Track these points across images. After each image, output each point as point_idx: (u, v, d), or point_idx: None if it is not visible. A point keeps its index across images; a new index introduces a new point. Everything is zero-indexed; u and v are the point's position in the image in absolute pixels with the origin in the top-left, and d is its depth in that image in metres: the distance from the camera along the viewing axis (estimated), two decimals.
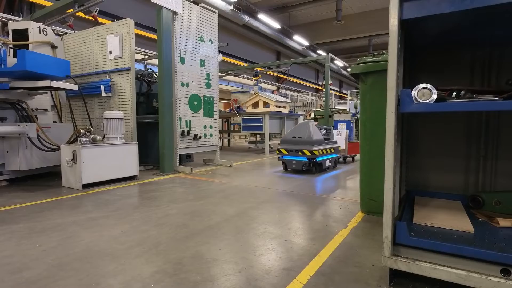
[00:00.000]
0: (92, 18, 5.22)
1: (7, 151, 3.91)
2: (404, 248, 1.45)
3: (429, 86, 1.34)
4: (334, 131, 6.01)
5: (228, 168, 5.50)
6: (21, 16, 8.28)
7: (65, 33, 5.95)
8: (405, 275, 1.52)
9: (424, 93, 1.35)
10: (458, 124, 2.12)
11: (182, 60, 4.99)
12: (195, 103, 5.30)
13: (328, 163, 5.01)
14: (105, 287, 1.51)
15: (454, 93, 1.44)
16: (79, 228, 2.35)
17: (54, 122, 4.94)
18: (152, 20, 6.31)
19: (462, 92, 1.42)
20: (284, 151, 4.90)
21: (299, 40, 18.00)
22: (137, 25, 10.46)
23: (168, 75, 4.75)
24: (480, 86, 2.04)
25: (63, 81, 4.02)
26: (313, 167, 4.77)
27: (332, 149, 5.08)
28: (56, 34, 5.43)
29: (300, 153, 4.66)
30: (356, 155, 6.62)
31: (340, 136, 6.11)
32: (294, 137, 4.83)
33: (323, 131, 5.30)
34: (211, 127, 5.69)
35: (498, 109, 1.26)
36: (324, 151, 4.77)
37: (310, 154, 4.55)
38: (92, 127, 4.16)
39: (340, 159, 6.15)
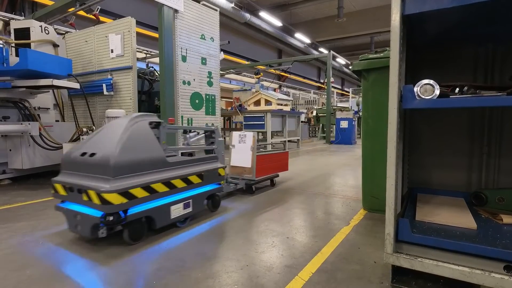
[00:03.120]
0: (93, 17, 5.23)
1: (10, 150, 3.93)
2: (406, 245, 1.44)
3: (431, 82, 1.33)
4: (235, 135, 3.46)
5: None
6: (23, 15, 8.31)
7: (67, 32, 5.95)
8: (408, 272, 1.51)
9: (427, 89, 1.34)
10: (460, 120, 2.11)
11: (184, 58, 4.98)
12: (197, 101, 5.30)
13: (180, 213, 2.27)
14: None
15: (457, 89, 1.42)
16: None
17: (57, 121, 4.95)
18: (154, 18, 6.30)
19: (465, 88, 1.41)
20: (61, 190, 2.06)
21: (301, 38, 17.95)
22: (139, 23, 10.45)
23: (170, 74, 4.75)
24: (483, 82, 2.03)
25: (65, 80, 4.02)
26: (124, 230, 1.96)
27: (196, 177, 2.44)
28: (58, 33, 5.44)
29: (85, 196, 1.90)
30: (277, 176, 3.81)
31: (245, 145, 3.36)
32: (84, 154, 2.02)
33: (191, 135, 2.85)
34: (213, 125, 5.69)
35: (501, 105, 1.25)
36: (157, 187, 2.08)
37: (99, 203, 1.82)
38: (94, 125, 4.17)
39: (241, 187, 3.30)
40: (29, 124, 3.80)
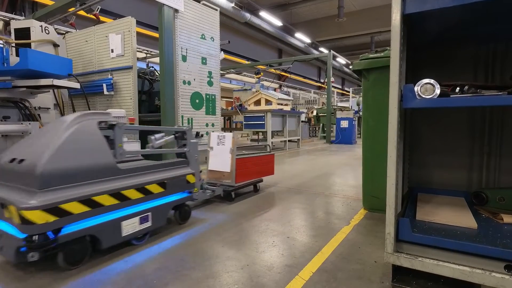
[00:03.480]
0: (93, 17, 5.23)
1: None
2: (407, 245, 1.44)
3: (432, 81, 1.33)
4: (213, 136, 3.13)
5: None
6: (23, 15, 8.32)
7: (67, 31, 5.96)
8: (408, 271, 1.51)
9: (427, 89, 1.33)
10: (461, 120, 2.11)
11: (184, 58, 4.98)
12: (197, 101, 5.30)
13: (134, 229, 1.93)
14: None
15: (458, 88, 1.42)
16: None
17: None
18: (154, 18, 6.30)
19: (466, 87, 1.41)
20: None
21: (301, 38, 17.95)
22: (139, 23, 10.45)
23: (170, 73, 4.75)
24: (484, 81, 2.03)
25: (65, 80, 4.03)
26: (59, 254, 1.60)
27: (157, 186, 2.09)
28: (58, 33, 5.43)
29: (7, 213, 1.55)
30: (261, 180, 3.50)
31: (223, 147, 3.05)
32: (13, 160, 1.67)
33: (157, 137, 2.36)
34: (213, 125, 5.69)
35: (502, 104, 1.25)
36: (101, 200, 1.73)
37: (19, 222, 1.44)
38: None
39: (219, 194, 2.97)
40: (29, 124, 3.80)
